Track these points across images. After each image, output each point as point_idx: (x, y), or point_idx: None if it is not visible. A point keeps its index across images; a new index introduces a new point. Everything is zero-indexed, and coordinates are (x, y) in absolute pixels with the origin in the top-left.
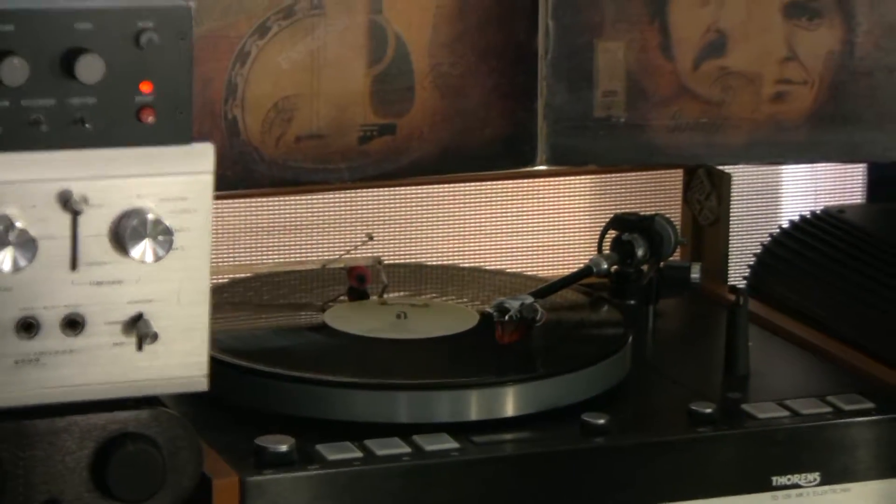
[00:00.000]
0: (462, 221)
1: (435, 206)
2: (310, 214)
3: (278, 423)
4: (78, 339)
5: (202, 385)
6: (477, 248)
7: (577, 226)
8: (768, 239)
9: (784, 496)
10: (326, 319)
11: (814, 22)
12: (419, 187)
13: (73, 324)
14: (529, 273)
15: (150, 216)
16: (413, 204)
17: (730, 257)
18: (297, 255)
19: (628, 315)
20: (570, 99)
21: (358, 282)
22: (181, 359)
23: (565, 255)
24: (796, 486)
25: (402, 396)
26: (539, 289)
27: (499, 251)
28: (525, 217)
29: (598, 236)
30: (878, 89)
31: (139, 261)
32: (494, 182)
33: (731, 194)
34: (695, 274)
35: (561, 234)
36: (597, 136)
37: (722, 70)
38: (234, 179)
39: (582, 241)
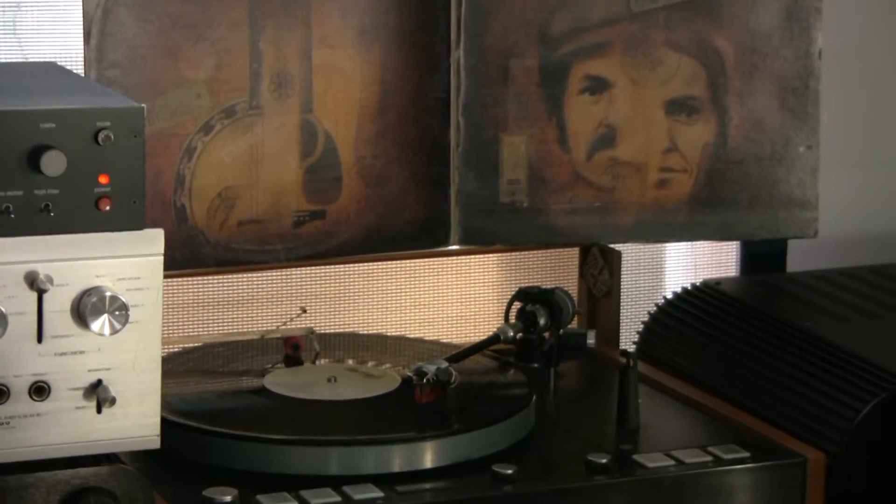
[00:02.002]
0: (386, 295)
1: (361, 282)
2: (250, 290)
3: (222, 477)
4: (44, 403)
5: (155, 443)
6: (399, 318)
7: (486, 298)
8: (654, 308)
9: None
10: (265, 383)
11: (692, 117)
12: (347, 265)
13: (40, 390)
14: (445, 340)
15: (108, 294)
16: (342, 280)
17: (621, 324)
18: (239, 327)
19: (532, 377)
20: (479, 186)
21: (293, 350)
22: (136, 420)
23: (476, 324)
24: None
25: (332, 451)
26: (453, 354)
27: (418, 321)
28: (441, 291)
29: (504, 307)
30: (749, 176)
31: (98, 333)
32: (413, 260)
33: (622, 269)
34: (590, 340)
35: (472, 306)
36: (503, 219)
37: (612, 160)
38: (182, 260)
39: (490, 312)
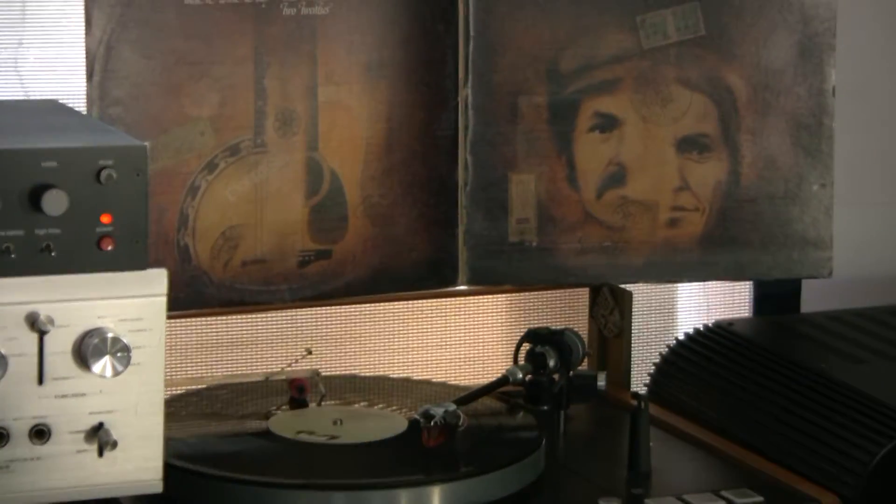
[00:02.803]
0: (392, 336)
1: (367, 323)
2: (254, 331)
3: None
4: (44, 447)
5: (157, 487)
6: (405, 360)
7: (494, 339)
8: (666, 349)
9: None
10: (270, 426)
11: (703, 155)
12: (353, 306)
13: (40, 433)
14: (452, 382)
15: (110, 335)
16: (348, 321)
17: (632, 366)
18: (244, 369)
19: (542, 419)
20: (487, 226)
21: (298, 392)
22: (138, 464)
23: (484, 366)
24: None
25: (338, 496)
26: (461, 397)
27: (425, 363)
28: (448, 332)
29: (513, 349)
30: (761, 215)
31: (100, 375)
32: (420, 301)
33: (633, 309)
34: (601, 382)
35: (480, 347)
36: (511, 259)
37: (622, 199)
38: (185, 301)
39: (499, 354)
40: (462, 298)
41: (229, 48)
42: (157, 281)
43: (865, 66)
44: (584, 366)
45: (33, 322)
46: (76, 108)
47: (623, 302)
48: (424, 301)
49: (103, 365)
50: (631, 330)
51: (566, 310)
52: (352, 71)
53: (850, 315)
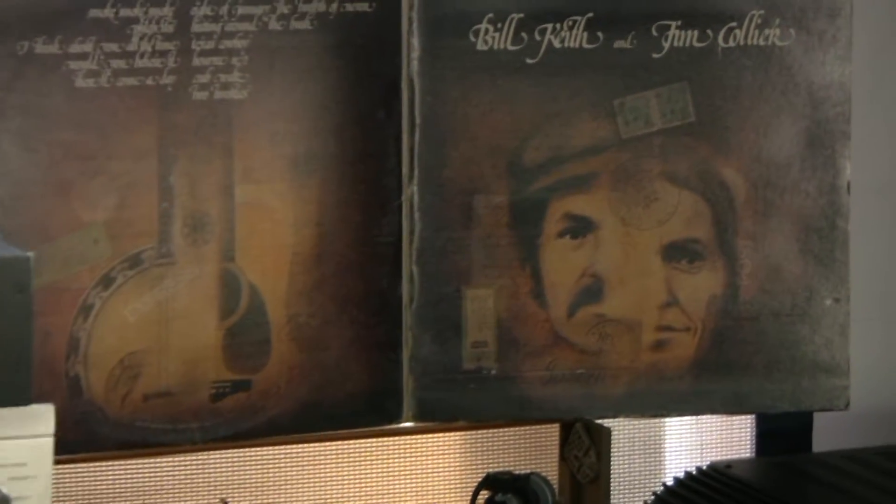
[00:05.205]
0: (324, 484)
1: (294, 468)
2: (159, 479)
3: None
4: None
5: None
6: None
7: (447, 486)
8: (652, 497)
9: None
10: None
11: (694, 265)
12: (277, 448)
13: None
14: None
15: None
16: (270, 466)
17: None
18: None
19: None
20: (436, 350)
21: None
22: None
23: None
24: None
25: None
26: None
27: None
28: (392, 478)
29: (470, 497)
30: (765, 335)
31: None
32: (358, 440)
33: (612, 449)
34: None
35: (430, 496)
36: (466, 390)
37: (598, 317)
38: (76, 442)
39: (453, 503)
40: (408, 437)
41: (128, 139)
42: (42, 418)
43: (886, 157)
44: None
45: None
46: None
47: (600, 440)
48: (363, 441)
49: None
50: (610, 474)
51: (532, 450)
52: (275, 166)
53: (872, 454)
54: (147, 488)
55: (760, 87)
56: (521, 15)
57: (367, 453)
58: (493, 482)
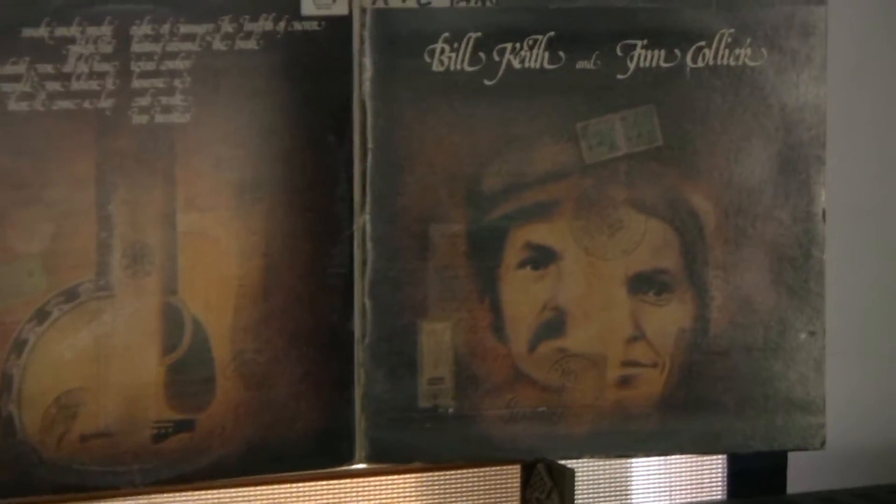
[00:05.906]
0: None
1: None
2: None
3: None
4: None
5: None
6: None
7: None
8: None
9: None
10: None
11: (662, 297)
12: (222, 490)
13: None
14: None
15: None
16: None
17: None
18: None
19: None
20: (391, 387)
21: None
22: None
23: None
24: None
25: None
26: None
27: None
28: None
29: None
30: (736, 371)
31: None
32: (308, 483)
33: (575, 492)
34: None
35: None
36: (422, 429)
37: (561, 352)
38: (9, 485)
39: None
40: (361, 479)
41: (64, 166)
42: None
43: (862, 182)
44: None
45: None
46: None
47: (563, 482)
48: (313, 483)
49: None
50: None
51: (492, 492)
52: (220, 193)
53: (849, 496)
54: None
55: (731, 109)
56: (479, 34)
57: (319, 496)
58: None
